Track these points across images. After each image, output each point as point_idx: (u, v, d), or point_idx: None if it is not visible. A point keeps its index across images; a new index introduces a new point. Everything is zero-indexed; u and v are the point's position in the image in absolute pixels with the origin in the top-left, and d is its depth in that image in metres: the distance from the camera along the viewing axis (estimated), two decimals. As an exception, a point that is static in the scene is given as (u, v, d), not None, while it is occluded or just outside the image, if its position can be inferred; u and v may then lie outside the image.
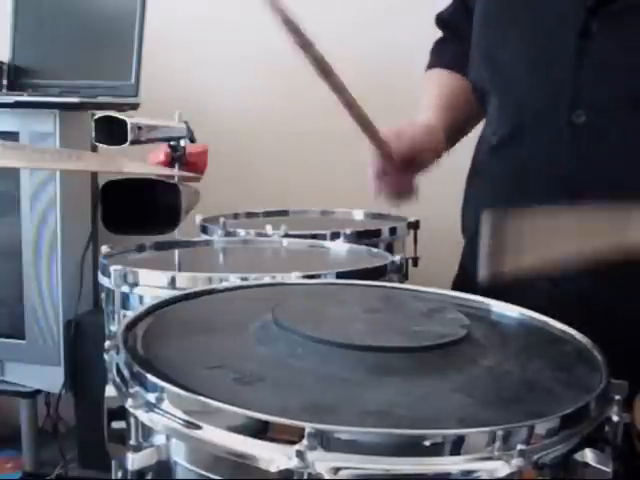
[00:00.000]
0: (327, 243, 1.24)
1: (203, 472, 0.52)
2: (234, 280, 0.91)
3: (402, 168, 1.00)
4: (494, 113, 1.02)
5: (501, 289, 0.82)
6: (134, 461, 0.53)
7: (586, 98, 0.89)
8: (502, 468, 0.48)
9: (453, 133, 1.09)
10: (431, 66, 1.17)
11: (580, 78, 0.89)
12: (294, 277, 0.90)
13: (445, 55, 1.16)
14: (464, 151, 1.11)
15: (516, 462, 0.47)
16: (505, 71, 0.98)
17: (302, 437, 0.47)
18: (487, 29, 1.01)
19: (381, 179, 1.01)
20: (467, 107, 1.11)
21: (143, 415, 0.54)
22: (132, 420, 0.56)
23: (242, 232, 1.33)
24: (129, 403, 0.55)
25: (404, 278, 1.16)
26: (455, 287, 1.04)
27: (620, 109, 0.88)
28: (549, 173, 0.92)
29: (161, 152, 1.42)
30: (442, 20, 1.17)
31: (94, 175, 1.86)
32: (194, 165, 1.46)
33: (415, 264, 1.45)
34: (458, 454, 0.48)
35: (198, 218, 1.42)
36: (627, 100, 0.88)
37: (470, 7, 1.08)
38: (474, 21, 1.04)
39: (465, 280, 1.04)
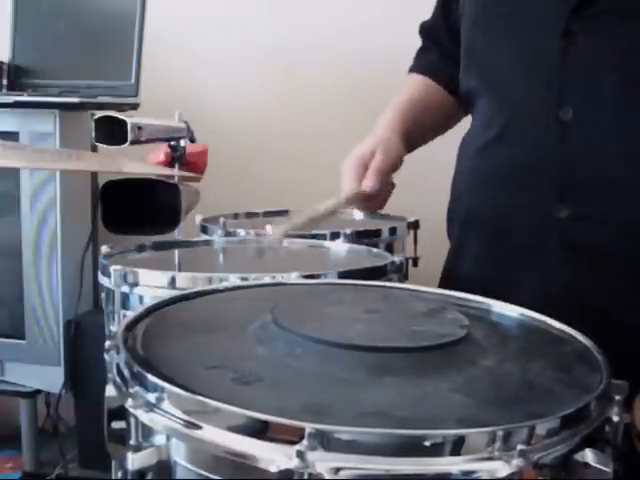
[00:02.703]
0: (327, 243, 1.24)
1: (203, 472, 0.52)
2: (234, 280, 0.91)
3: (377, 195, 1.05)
4: (483, 116, 1.04)
5: (499, 288, 0.82)
6: (134, 461, 0.53)
7: (572, 95, 0.91)
8: (502, 468, 0.48)
9: (416, 133, 1.12)
10: (410, 71, 1.21)
11: (565, 76, 0.92)
12: (294, 277, 0.90)
13: (423, 62, 1.19)
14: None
15: (516, 462, 0.47)
16: (494, 73, 1.01)
17: (302, 437, 0.47)
18: (475, 33, 1.04)
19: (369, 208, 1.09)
20: (436, 112, 1.15)
21: (143, 415, 0.54)
22: (132, 420, 0.56)
23: (242, 232, 1.33)
24: (129, 403, 0.55)
25: (404, 278, 1.16)
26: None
27: (606, 105, 0.90)
28: (538, 171, 0.94)
29: (161, 152, 1.42)
30: (424, 30, 1.21)
31: (94, 175, 1.86)
32: (194, 165, 1.46)
33: (415, 264, 1.45)
34: (458, 454, 0.48)
35: (198, 218, 1.42)
36: (612, 96, 0.90)
37: (450, 20, 1.12)
38: (462, 27, 1.07)
39: (451, 281, 1.06)
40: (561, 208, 0.91)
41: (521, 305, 0.77)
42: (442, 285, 1.08)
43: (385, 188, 1.06)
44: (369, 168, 1.03)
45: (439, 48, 1.16)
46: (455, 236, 1.09)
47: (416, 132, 1.12)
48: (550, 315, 0.74)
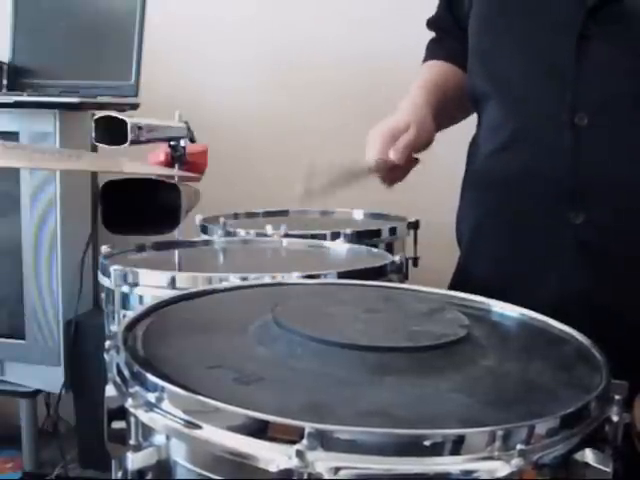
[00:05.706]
0: (327, 243, 1.24)
1: (203, 472, 0.52)
2: (234, 280, 0.91)
3: (404, 164, 1.02)
4: (493, 119, 1.02)
5: (513, 293, 0.82)
6: (134, 461, 0.53)
7: (588, 100, 0.90)
8: (502, 468, 0.48)
9: (442, 113, 1.10)
10: (425, 60, 1.20)
11: (581, 81, 0.90)
12: (294, 277, 0.90)
13: (439, 50, 1.18)
14: (464, 151, 1.11)
15: (516, 462, 0.47)
16: (505, 76, 0.99)
17: (302, 437, 0.47)
18: (485, 36, 1.02)
19: (389, 179, 1.04)
20: (459, 96, 1.12)
21: (143, 415, 0.54)
22: (132, 420, 0.56)
23: (242, 232, 1.33)
24: (129, 403, 0.55)
25: (404, 278, 1.16)
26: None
27: (622, 110, 0.89)
28: (552, 176, 0.92)
29: (161, 152, 1.41)
30: (432, 23, 1.20)
31: (94, 175, 1.86)
32: (194, 165, 1.45)
33: (415, 264, 1.45)
34: (458, 454, 0.48)
35: (198, 218, 1.42)
36: (629, 101, 0.89)
37: (456, 15, 1.12)
38: (470, 28, 1.05)
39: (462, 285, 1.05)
40: (576, 214, 0.90)
41: (537, 310, 0.76)
42: (453, 289, 1.07)
43: (409, 163, 1.03)
44: (400, 140, 1.00)
45: (450, 36, 1.15)
46: (466, 240, 1.08)
47: (442, 114, 1.10)
48: (566, 320, 0.73)
